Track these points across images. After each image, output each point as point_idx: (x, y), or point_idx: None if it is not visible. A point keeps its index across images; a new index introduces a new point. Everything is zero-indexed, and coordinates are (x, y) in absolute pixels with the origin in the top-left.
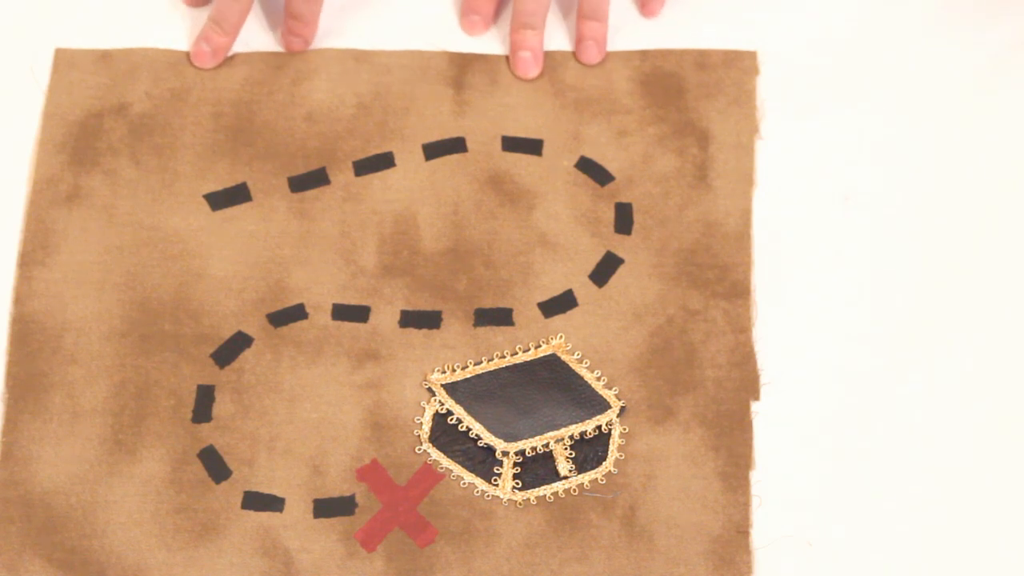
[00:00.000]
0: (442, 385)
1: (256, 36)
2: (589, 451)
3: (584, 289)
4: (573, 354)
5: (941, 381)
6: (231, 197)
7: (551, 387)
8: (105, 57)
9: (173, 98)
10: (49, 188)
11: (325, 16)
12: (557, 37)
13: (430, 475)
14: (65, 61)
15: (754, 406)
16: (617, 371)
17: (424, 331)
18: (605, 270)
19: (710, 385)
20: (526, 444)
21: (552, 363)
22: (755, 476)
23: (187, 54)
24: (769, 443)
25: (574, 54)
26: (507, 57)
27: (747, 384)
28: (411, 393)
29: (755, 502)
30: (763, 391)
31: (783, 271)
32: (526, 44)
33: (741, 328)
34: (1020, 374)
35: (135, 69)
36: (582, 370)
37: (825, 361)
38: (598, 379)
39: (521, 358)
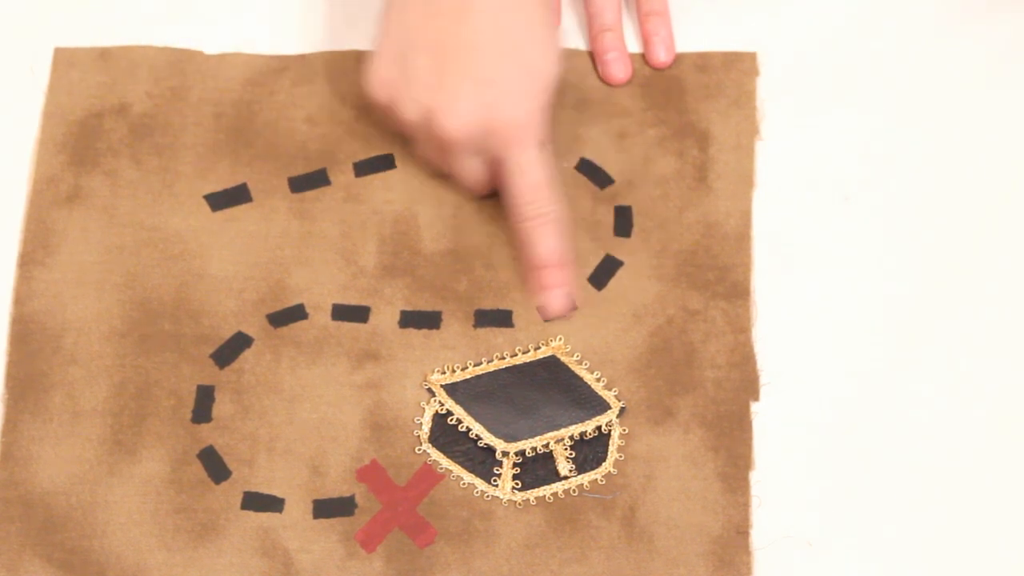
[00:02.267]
0: (442, 386)
1: (258, 37)
2: (589, 452)
3: (583, 292)
4: (572, 356)
5: (941, 381)
6: (231, 198)
7: (551, 387)
8: (105, 55)
9: (174, 98)
10: (49, 188)
11: (326, 17)
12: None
13: (430, 475)
14: (65, 60)
15: (754, 406)
16: (617, 372)
17: (424, 332)
18: (604, 273)
19: (710, 386)
20: (526, 444)
21: (552, 364)
22: (755, 476)
23: (187, 53)
24: (769, 443)
25: (643, 56)
26: (594, 66)
27: (747, 384)
28: (411, 393)
29: (755, 502)
30: (763, 391)
31: (783, 271)
32: (608, 47)
33: (741, 328)
34: (1020, 374)
35: (135, 68)
36: (582, 371)
37: (825, 361)
38: (598, 380)
39: (521, 359)
